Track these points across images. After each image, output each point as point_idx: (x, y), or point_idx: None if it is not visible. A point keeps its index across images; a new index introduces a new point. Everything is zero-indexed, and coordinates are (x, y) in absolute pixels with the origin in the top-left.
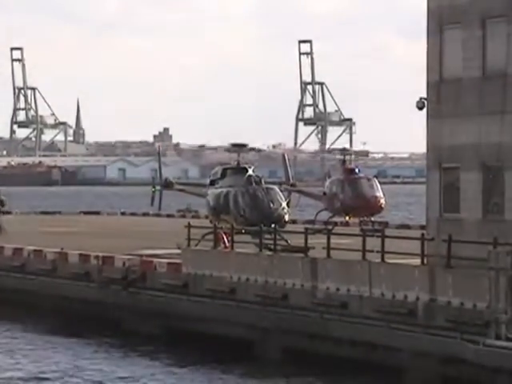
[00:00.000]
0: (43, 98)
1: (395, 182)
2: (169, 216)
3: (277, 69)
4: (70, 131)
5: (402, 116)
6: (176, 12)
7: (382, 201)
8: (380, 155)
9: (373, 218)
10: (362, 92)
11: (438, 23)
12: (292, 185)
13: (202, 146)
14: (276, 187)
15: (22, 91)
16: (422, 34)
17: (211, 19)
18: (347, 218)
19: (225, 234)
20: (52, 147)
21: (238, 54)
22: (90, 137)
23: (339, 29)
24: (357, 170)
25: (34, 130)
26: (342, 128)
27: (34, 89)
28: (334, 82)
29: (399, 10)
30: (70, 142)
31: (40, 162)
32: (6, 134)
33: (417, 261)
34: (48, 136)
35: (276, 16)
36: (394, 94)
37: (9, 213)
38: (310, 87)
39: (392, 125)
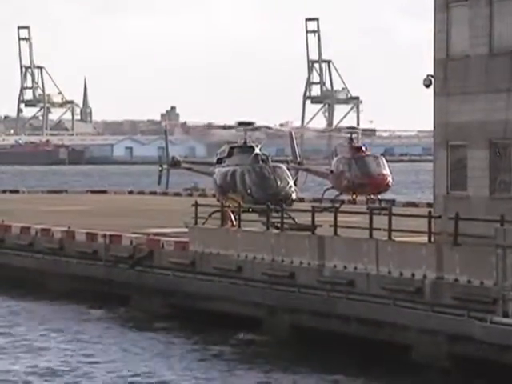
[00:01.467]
0: (50, 76)
1: (402, 160)
2: (176, 194)
3: (283, 47)
4: (77, 110)
5: (409, 94)
6: None
7: (389, 179)
8: (387, 133)
9: (380, 196)
10: (369, 70)
11: (445, 1)
12: (299, 163)
13: (209, 125)
14: (283, 165)
15: (29, 70)
16: (427, 13)
17: None
18: (354, 196)
19: (232, 212)
20: (59, 126)
21: (245, 32)
22: (97, 116)
23: (342, 8)
24: (364, 148)
25: (41, 108)
26: (349, 106)
27: (41, 67)
28: (341, 60)
29: None
30: (77, 120)
31: (47, 141)
32: (13, 113)
33: (424, 239)
34: (55, 115)
35: None
36: (401, 72)
37: (16, 191)
38: (316, 65)
39: (399, 103)
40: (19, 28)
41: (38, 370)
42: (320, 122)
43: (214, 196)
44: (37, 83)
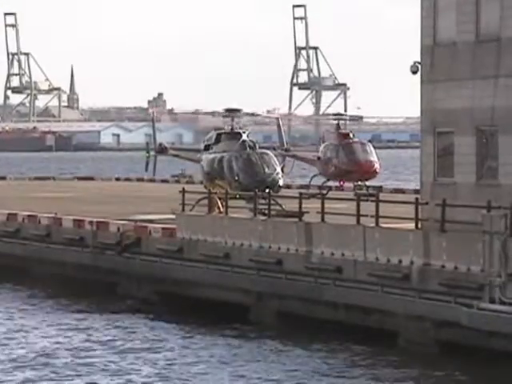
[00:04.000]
0: (37, 63)
1: (390, 147)
2: (163, 181)
3: (271, 33)
4: (64, 97)
5: (397, 80)
6: None
7: (377, 165)
8: (374, 120)
9: (367, 183)
10: (356, 57)
11: None
12: (286, 149)
13: (196, 111)
14: (270, 152)
15: (16, 57)
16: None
17: None
18: (341, 182)
19: (219, 198)
20: (46, 113)
21: (232, 18)
22: (84, 102)
23: None
24: (351, 135)
25: (27, 95)
26: (337, 93)
27: (27, 54)
28: (328, 46)
29: None
30: (64, 107)
31: (34, 128)
32: (0, 100)
33: (411, 225)
34: (42, 101)
35: None
36: (388, 58)
37: (3, 178)
38: (304, 52)
39: (386, 89)
40: (6, 14)
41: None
42: (307, 109)
43: (201, 183)
44: (23, 70)
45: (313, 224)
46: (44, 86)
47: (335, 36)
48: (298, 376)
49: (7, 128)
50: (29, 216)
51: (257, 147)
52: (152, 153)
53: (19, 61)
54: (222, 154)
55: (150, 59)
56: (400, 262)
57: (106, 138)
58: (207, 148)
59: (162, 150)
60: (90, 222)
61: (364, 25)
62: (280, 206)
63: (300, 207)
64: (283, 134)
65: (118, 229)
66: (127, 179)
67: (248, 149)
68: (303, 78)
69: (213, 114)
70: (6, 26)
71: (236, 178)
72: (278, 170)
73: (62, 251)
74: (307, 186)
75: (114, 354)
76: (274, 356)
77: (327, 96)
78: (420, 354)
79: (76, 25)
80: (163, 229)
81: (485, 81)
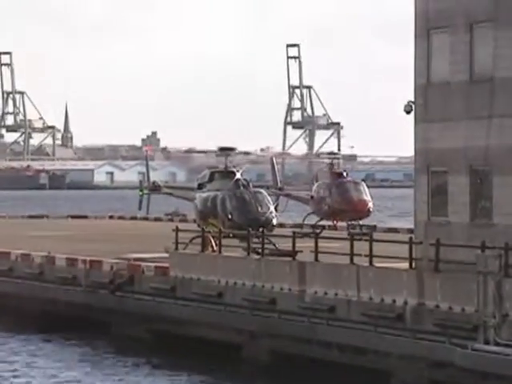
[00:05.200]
0: (31, 102)
1: (383, 186)
2: (157, 220)
3: (264, 72)
4: (59, 135)
5: (390, 120)
6: (161, 14)
7: (370, 204)
8: (368, 159)
9: (361, 222)
10: (349, 96)
11: (425, 27)
12: (280, 188)
13: (189, 150)
14: (264, 191)
15: (11, 95)
16: (406, 38)
17: (196, 22)
18: (335, 221)
19: (212, 237)
20: (40, 151)
21: (226, 57)
22: (78, 141)
23: (321, 34)
24: (344, 174)
25: (22, 133)
26: (330, 132)
27: (22, 93)
28: (321, 85)
29: (379, 15)
30: (59, 145)
31: (28, 166)
32: None
33: (405, 265)
34: (36, 140)
35: (258, 20)
36: (381, 98)
37: None
38: (297, 91)
39: (380, 129)
40: (1, 54)
41: None
42: (301, 148)
43: (194, 221)
44: (18, 108)
45: (306, 263)
46: (38, 125)
47: (329, 75)
48: None
49: (1, 166)
50: (22, 254)
51: (250, 186)
52: (145, 191)
53: (14, 99)
54: (216, 192)
55: (143, 98)
56: (394, 301)
57: (100, 177)
58: (201, 186)
59: (155, 188)
60: (83, 261)
61: (358, 64)
62: (274, 244)
63: (293, 246)
64: (277, 172)
65: (112, 267)
66: (121, 217)
67: (241, 187)
68: (297, 116)
69: (206, 152)
70: (1, 65)
71: (229, 217)
72: (272, 208)
73: (55, 290)
74: (301, 225)
75: None
76: None
77: (321, 135)
78: None
79: (70, 64)
80: (156, 267)
81: (478, 121)
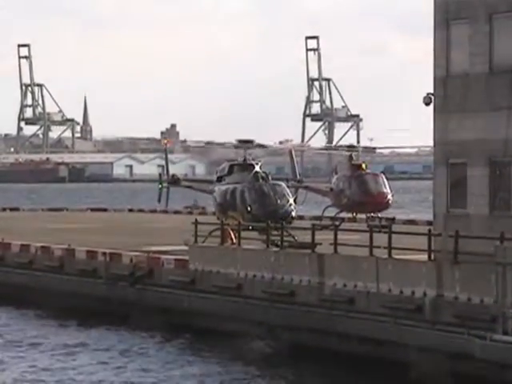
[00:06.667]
0: (50, 94)
1: (402, 178)
2: (176, 212)
3: (283, 64)
4: (78, 128)
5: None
6: (181, 7)
7: (389, 197)
8: (387, 151)
9: (380, 214)
10: (369, 88)
11: (445, 18)
12: (299, 181)
13: (208, 143)
14: (283, 183)
15: (30, 88)
16: (421, 30)
17: (215, 16)
18: (354, 214)
19: (232, 230)
20: (59, 144)
21: (245, 49)
22: (98, 133)
23: (337, 26)
24: (364, 166)
25: (41, 126)
26: (349, 124)
27: (41, 85)
28: (341, 78)
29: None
30: (78, 138)
31: (47, 159)
32: (14, 131)
33: (424, 256)
34: (55, 133)
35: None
36: (400, 89)
37: (16, 209)
38: (316, 83)
39: (399, 120)
40: (19, 46)
41: None
42: (320, 140)
43: (214, 214)
44: (37, 101)
45: (325, 255)
46: (57, 118)
47: (348, 67)
48: None
49: (20, 159)
50: (42, 247)
51: (269, 178)
52: (165, 184)
53: (32, 92)
54: (235, 185)
55: (163, 90)
56: (413, 293)
57: (119, 170)
58: (220, 179)
59: (174, 181)
60: (103, 253)
61: (377, 56)
62: (293, 237)
63: (313, 239)
64: (296, 165)
65: (131, 260)
66: (140, 210)
67: (261, 180)
68: (316, 109)
69: (225, 145)
70: (19, 57)
71: (249, 210)
72: (291, 201)
73: (75, 282)
74: (320, 218)
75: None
76: None
77: (340, 127)
78: None
79: (89, 56)
80: (176, 260)
81: (498, 112)
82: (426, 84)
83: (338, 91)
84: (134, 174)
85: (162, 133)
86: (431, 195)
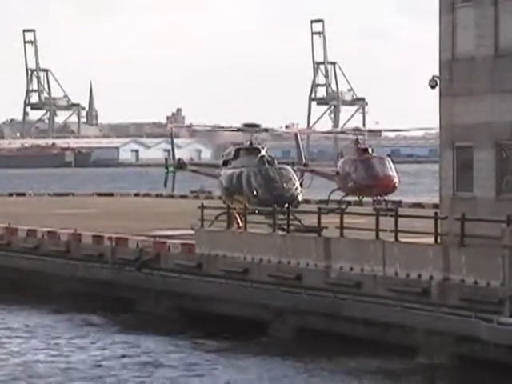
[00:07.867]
0: (56, 79)
1: (408, 161)
2: (182, 197)
3: (289, 48)
4: (83, 113)
5: (416, 95)
6: None
7: (396, 180)
8: (393, 135)
9: (386, 197)
10: (374, 71)
11: (451, 1)
12: (305, 165)
13: (214, 127)
14: (289, 167)
15: (35, 73)
16: (425, 14)
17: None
18: (360, 197)
19: (238, 214)
20: (65, 129)
21: (250, 33)
22: (103, 118)
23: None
24: (370, 150)
25: (47, 111)
26: (355, 107)
27: (46, 70)
28: (346, 61)
29: None
30: (83, 123)
31: (53, 144)
32: (19, 116)
33: (430, 240)
34: (61, 118)
35: None
36: (406, 73)
37: (22, 194)
38: (322, 67)
39: (405, 104)
40: (24, 31)
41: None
42: (326, 124)
43: (220, 198)
44: (42, 86)
45: (332, 239)
46: (63, 102)
47: (353, 50)
48: None
49: (26, 144)
50: (48, 232)
51: (275, 162)
52: (171, 168)
53: (38, 77)
54: (241, 169)
55: (168, 74)
56: (419, 276)
57: (125, 154)
58: (226, 163)
59: (180, 165)
60: (109, 238)
61: (382, 39)
62: (299, 221)
63: (319, 222)
64: (302, 149)
65: (137, 245)
66: (146, 195)
67: (267, 164)
68: (321, 93)
69: (231, 129)
70: (25, 42)
71: (255, 194)
72: (297, 185)
73: (81, 267)
74: (326, 201)
75: (132, 370)
76: (294, 372)
77: (345, 111)
78: (440, 369)
79: (95, 40)
80: (182, 244)
81: (504, 95)
82: (432, 68)
83: (344, 75)
84: (140, 159)
85: (167, 117)
86: (422, 178)
